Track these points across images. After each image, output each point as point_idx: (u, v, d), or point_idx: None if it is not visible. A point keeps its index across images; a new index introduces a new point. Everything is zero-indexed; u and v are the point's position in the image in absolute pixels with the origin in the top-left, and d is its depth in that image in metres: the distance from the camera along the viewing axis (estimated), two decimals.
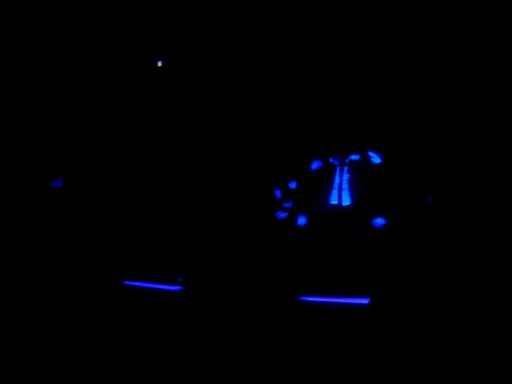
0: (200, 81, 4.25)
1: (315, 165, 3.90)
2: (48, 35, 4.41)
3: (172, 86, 4.34)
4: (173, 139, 4.29)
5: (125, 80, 4.40)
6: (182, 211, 4.20)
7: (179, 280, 4.04)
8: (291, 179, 3.94)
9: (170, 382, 3.36)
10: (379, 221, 3.66)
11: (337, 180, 3.82)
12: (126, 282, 4.15)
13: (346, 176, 3.79)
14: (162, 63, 4.34)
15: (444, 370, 3.07)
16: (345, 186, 3.78)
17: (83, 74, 4.44)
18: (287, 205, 3.92)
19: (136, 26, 4.34)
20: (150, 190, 4.30)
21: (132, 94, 4.40)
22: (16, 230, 4.32)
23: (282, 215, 3.92)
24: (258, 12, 4.05)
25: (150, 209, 4.27)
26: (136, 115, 4.39)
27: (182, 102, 4.32)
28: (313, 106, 3.93)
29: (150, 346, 3.62)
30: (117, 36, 4.37)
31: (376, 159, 3.75)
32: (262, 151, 4.02)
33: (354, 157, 3.79)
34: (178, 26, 4.29)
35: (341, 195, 3.79)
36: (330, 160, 3.84)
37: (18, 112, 4.46)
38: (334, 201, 3.79)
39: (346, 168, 3.80)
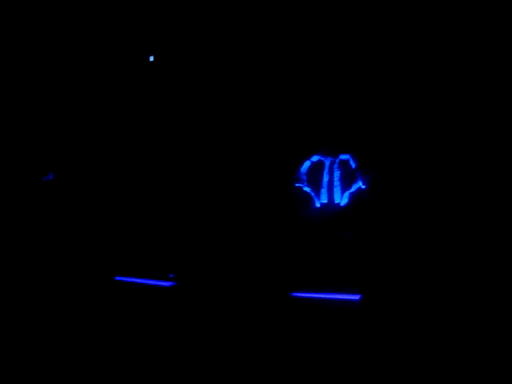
0: (194, 75, 4.24)
1: (305, 164, 3.90)
2: (40, 29, 4.38)
3: (164, 81, 4.32)
4: (163, 134, 4.28)
5: (116, 75, 4.38)
6: (173, 208, 4.19)
7: (170, 276, 4.04)
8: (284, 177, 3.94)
9: (163, 376, 3.37)
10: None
11: (325, 178, 3.83)
12: (117, 278, 4.15)
13: (337, 173, 3.79)
14: (154, 58, 4.31)
15: (435, 363, 3.08)
16: (336, 183, 3.78)
17: (75, 68, 4.41)
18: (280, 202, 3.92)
19: (128, 20, 4.31)
20: (142, 186, 4.29)
21: (124, 88, 4.38)
22: (8, 225, 4.31)
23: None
24: (252, 7, 4.03)
25: (141, 205, 4.26)
26: (128, 109, 4.37)
27: (173, 95, 4.31)
28: (303, 107, 3.93)
29: (142, 340, 3.62)
30: (109, 30, 4.35)
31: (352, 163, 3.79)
32: (253, 150, 4.02)
33: (344, 156, 3.80)
34: (171, 20, 4.27)
35: (332, 193, 3.80)
36: (322, 159, 3.85)
37: (10, 107, 4.44)
38: (324, 199, 3.80)
39: (336, 166, 3.80)
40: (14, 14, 4.36)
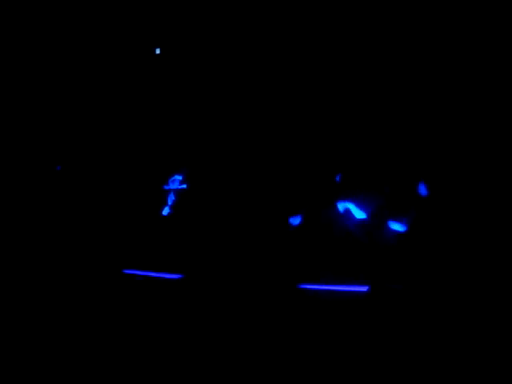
0: (200, 70, 4.23)
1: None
2: (40, 23, 4.38)
3: (170, 75, 4.32)
4: (171, 128, 4.29)
5: (122, 68, 4.39)
6: (181, 199, 4.20)
7: (178, 268, 4.03)
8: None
9: (171, 370, 3.38)
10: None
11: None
12: (125, 271, 4.16)
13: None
14: (161, 50, 4.31)
15: (444, 358, 3.08)
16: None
17: (78, 61, 4.42)
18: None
19: (133, 11, 4.31)
20: (150, 177, 4.30)
21: (130, 82, 4.38)
22: (15, 219, 4.33)
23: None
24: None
25: (149, 196, 4.28)
26: (134, 103, 4.38)
27: (180, 90, 4.31)
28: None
29: (150, 334, 3.64)
30: (113, 22, 4.35)
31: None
32: (259, 147, 4.02)
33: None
34: (177, 11, 4.26)
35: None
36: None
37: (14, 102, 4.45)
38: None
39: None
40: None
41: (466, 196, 3.44)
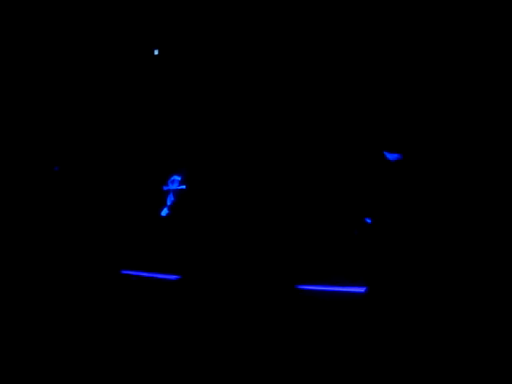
0: (198, 71, 4.24)
1: None
2: (40, 22, 4.40)
3: (168, 76, 4.33)
4: (168, 129, 4.30)
5: (121, 69, 4.39)
6: (180, 200, 4.20)
7: (176, 268, 4.04)
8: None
9: (169, 371, 3.38)
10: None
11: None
12: (123, 272, 4.17)
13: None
14: (159, 51, 4.32)
15: (442, 360, 3.07)
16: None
17: (76, 62, 4.43)
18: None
19: (132, 12, 4.31)
20: (149, 178, 4.31)
21: (128, 83, 4.39)
22: (13, 219, 4.34)
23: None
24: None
25: (148, 197, 4.28)
26: (133, 103, 4.39)
27: (179, 91, 4.31)
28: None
29: (148, 334, 3.64)
30: (112, 23, 4.35)
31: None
32: (258, 148, 4.02)
33: None
34: (176, 11, 4.27)
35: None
36: None
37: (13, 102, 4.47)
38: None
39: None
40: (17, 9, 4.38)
41: (465, 197, 3.43)
